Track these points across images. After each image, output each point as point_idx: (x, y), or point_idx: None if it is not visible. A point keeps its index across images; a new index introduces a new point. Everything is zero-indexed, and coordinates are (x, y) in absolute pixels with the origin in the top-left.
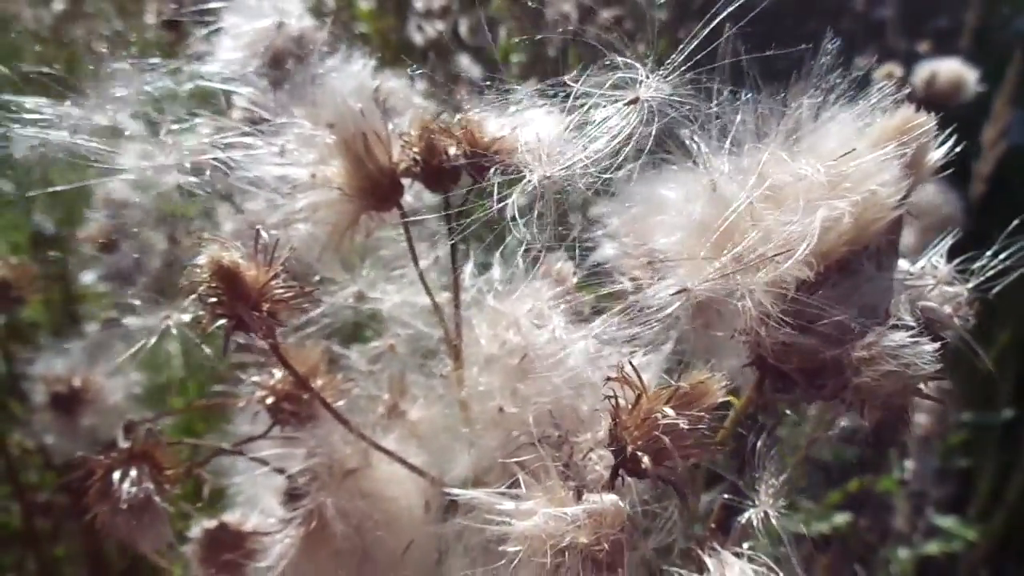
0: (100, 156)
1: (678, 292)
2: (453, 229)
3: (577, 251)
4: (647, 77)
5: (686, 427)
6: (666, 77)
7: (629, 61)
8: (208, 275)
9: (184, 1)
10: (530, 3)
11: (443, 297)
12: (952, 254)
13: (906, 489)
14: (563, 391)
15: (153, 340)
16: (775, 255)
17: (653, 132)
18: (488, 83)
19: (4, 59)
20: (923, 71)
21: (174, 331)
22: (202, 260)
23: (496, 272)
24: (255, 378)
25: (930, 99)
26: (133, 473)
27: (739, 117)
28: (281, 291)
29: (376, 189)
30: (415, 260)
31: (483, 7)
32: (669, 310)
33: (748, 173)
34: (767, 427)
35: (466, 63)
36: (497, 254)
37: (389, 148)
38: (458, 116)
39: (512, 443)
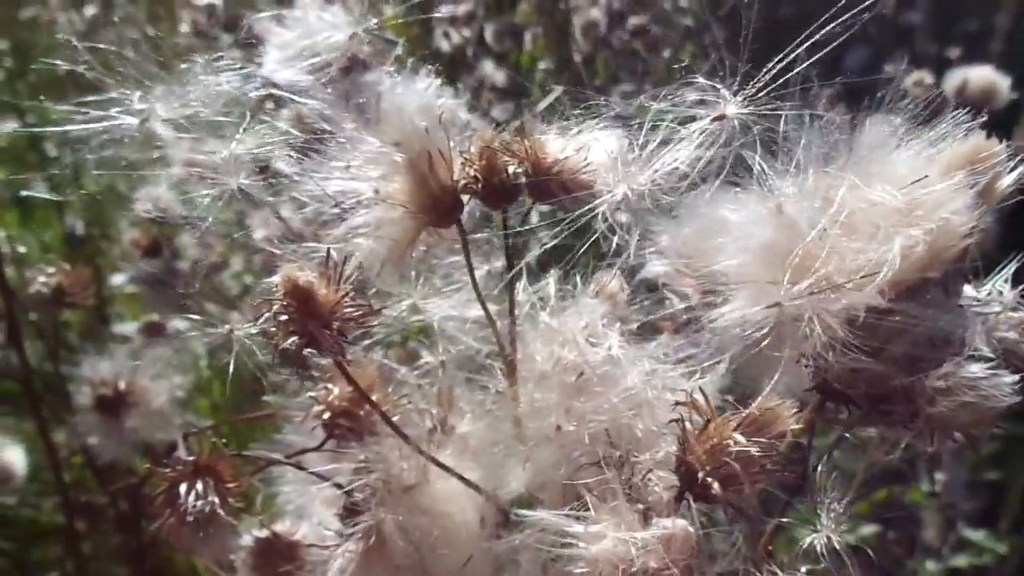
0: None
1: (771, 306)
2: (510, 245)
3: (626, 267)
4: (731, 96)
5: (757, 454)
6: (750, 97)
7: (710, 82)
8: (282, 293)
9: (216, 12)
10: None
11: (493, 311)
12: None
13: (936, 501)
14: (620, 410)
15: (213, 350)
16: (849, 282)
17: (731, 153)
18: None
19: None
20: (954, 78)
21: (236, 343)
22: (277, 279)
23: (551, 288)
24: (312, 393)
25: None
26: (199, 486)
27: (804, 139)
28: (350, 310)
29: (438, 206)
30: (472, 275)
31: (509, 13)
32: (759, 329)
33: (815, 197)
34: (826, 450)
35: (491, 69)
36: (549, 270)
37: (451, 166)
38: (518, 134)
39: (568, 461)
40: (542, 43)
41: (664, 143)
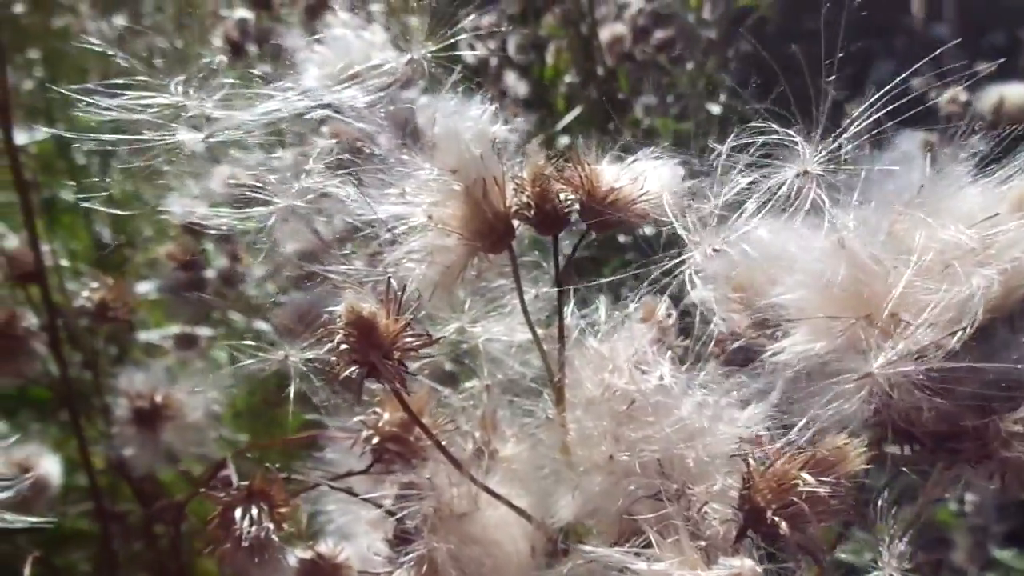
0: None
1: (863, 377)
2: (561, 271)
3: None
4: (812, 151)
5: (825, 494)
6: (829, 152)
7: (787, 132)
8: (345, 323)
9: (249, 27)
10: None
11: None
12: None
13: (966, 522)
14: (673, 440)
15: (269, 374)
16: (922, 323)
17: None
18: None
19: (72, 71)
20: (989, 95)
21: (293, 368)
22: (341, 309)
23: (601, 313)
24: (361, 417)
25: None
26: (254, 511)
27: (864, 173)
28: (410, 340)
29: (491, 233)
30: (522, 300)
31: (534, 25)
32: (854, 402)
33: (879, 231)
34: (885, 485)
35: (513, 81)
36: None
37: (505, 193)
38: (571, 161)
39: (620, 490)
40: (566, 56)
41: (735, 189)
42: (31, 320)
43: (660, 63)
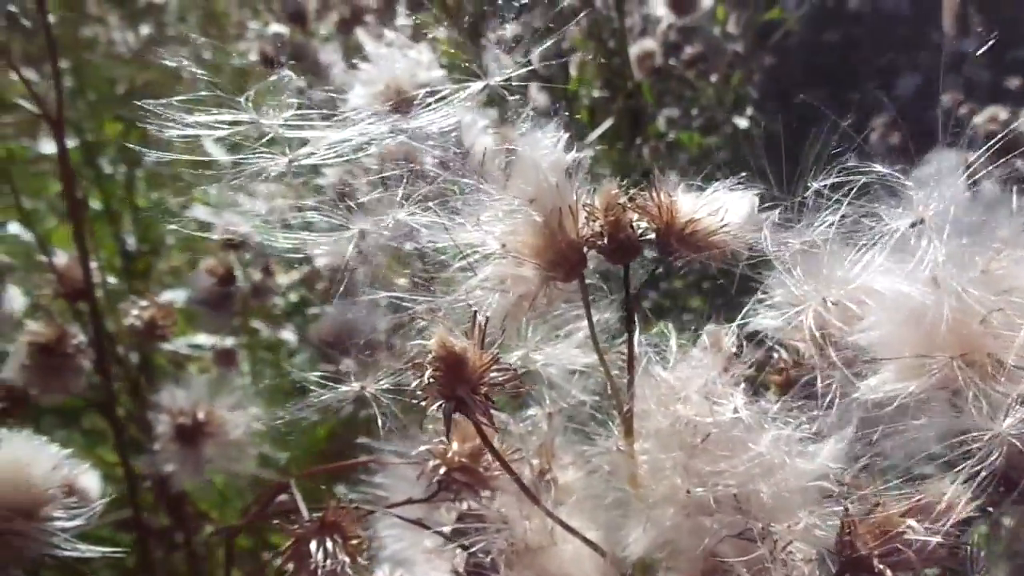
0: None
1: (993, 437)
2: (631, 299)
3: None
4: (925, 196)
5: (933, 542)
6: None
7: (894, 173)
8: (434, 358)
9: (283, 41)
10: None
11: (594, 360)
12: None
13: (1002, 544)
14: (749, 475)
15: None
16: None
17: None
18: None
19: (100, 81)
20: None
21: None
22: (432, 343)
23: (672, 343)
24: (426, 446)
25: None
26: (328, 544)
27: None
28: (497, 374)
29: (565, 262)
30: (592, 330)
31: (559, 37)
32: (982, 459)
33: (972, 268)
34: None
35: (533, 91)
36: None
37: (578, 222)
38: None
39: (695, 525)
40: (592, 68)
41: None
42: (80, 337)
43: (686, 77)
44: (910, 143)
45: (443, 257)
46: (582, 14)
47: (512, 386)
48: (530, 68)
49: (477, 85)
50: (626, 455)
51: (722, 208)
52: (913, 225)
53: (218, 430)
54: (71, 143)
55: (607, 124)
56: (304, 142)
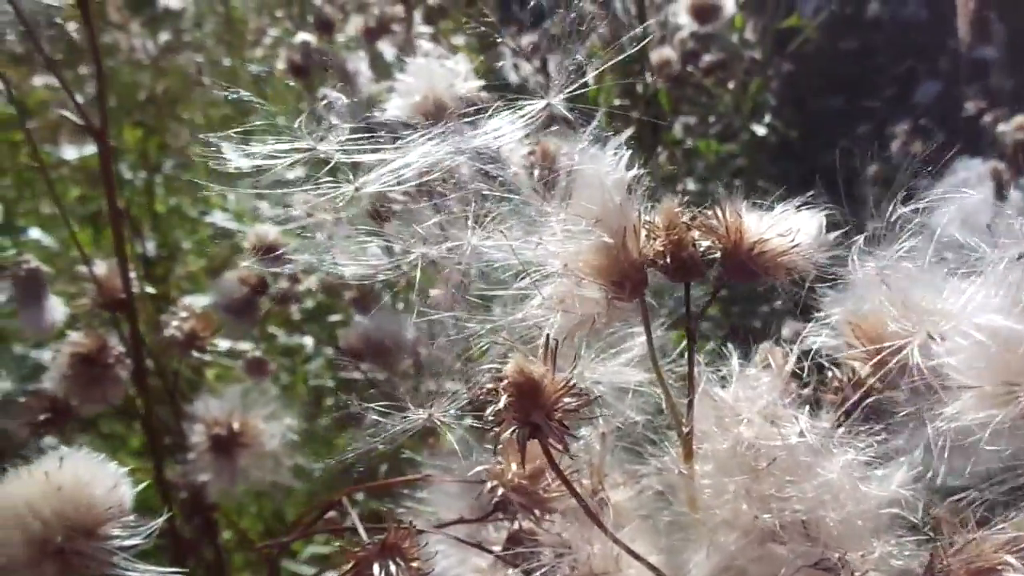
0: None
1: None
2: (692, 318)
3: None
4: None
5: None
6: None
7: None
8: (510, 384)
9: (311, 50)
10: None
11: (645, 378)
12: None
13: None
14: (818, 501)
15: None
16: None
17: None
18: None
19: (121, 88)
20: None
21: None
22: (509, 369)
23: (733, 364)
24: (484, 467)
25: None
26: (391, 567)
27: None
28: (571, 400)
29: (627, 281)
30: (652, 351)
31: (579, 44)
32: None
33: None
34: None
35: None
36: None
37: (641, 241)
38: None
39: (762, 551)
40: (610, 77)
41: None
42: (119, 348)
43: (703, 84)
44: (933, 150)
45: (503, 276)
46: (597, 21)
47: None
48: (589, 88)
49: (538, 104)
50: (686, 478)
51: (792, 229)
52: (1021, 257)
53: (253, 441)
54: (89, 149)
55: (628, 133)
56: (360, 166)
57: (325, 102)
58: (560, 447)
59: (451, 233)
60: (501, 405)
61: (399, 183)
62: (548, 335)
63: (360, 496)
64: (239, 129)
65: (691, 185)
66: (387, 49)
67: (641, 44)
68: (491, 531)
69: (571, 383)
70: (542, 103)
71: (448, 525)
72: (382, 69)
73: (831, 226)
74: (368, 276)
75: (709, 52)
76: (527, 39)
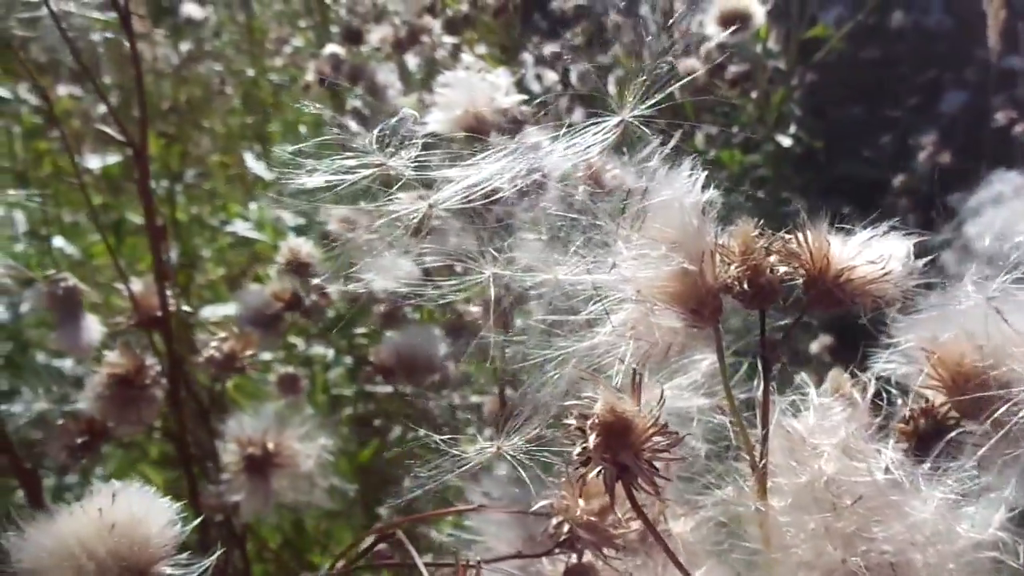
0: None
1: None
2: (768, 346)
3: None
4: None
5: None
6: None
7: None
8: (600, 423)
9: (341, 64)
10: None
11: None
12: None
13: None
14: (909, 542)
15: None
16: None
17: None
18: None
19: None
20: None
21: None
22: (600, 408)
23: (812, 396)
24: (548, 500)
25: None
26: None
27: None
28: (660, 439)
29: (701, 307)
30: (725, 380)
31: (599, 54)
32: None
33: None
34: None
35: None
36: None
37: (716, 266)
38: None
39: None
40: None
41: None
42: (155, 367)
43: (727, 95)
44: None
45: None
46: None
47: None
48: (665, 105)
49: (612, 120)
50: (762, 513)
51: (883, 255)
52: None
53: (288, 461)
54: (113, 158)
55: (655, 143)
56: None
57: (398, 119)
58: (650, 490)
59: (520, 255)
60: (590, 445)
61: (471, 201)
62: (635, 369)
63: (388, 514)
64: (308, 144)
65: (714, 196)
66: (409, 60)
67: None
68: (544, 564)
69: (661, 422)
70: (616, 119)
71: (505, 559)
72: (412, 81)
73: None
74: (436, 299)
75: (734, 62)
76: (549, 48)
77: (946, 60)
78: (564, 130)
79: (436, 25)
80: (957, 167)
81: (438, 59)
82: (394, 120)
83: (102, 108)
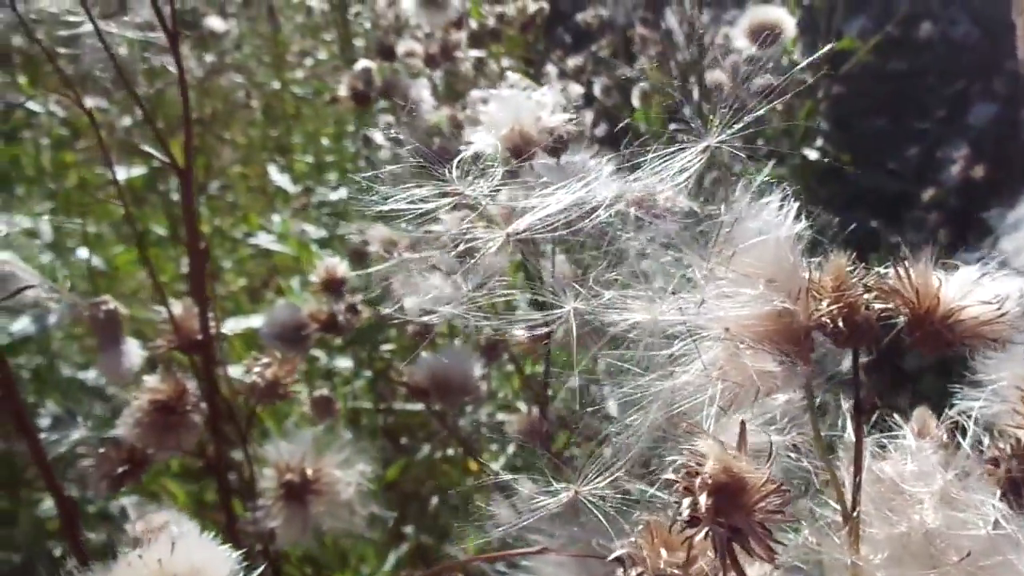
0: None
1: None
2: (862, 386)
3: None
4: None
5: None
6: None
7: None
8: (712, 483)
9: (373, 77)
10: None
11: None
12: None
13: None
14: None
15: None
16: None
17: None
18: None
19: (170, 108)
20: None
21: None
22: (711, 467)
23: (907, 438)
24: (623, 550)
25: None
26: None
27: None
28: (774, 499)
29: (793, 346)
30: (815, 422)
31: (623, 67)
32: None
33: None
34: None
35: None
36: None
37: (809, 302)
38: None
39: None
40: (660, 99)
41: None
42: (195, 392)
43: (754, 108)
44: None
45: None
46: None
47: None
48: (753, 129)
49: (698, 146)
50: (856, 567)
51: (999, 295)
52: None
53: (327, 488)
54: (138, 171)
55: (688, 157)
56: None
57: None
58: (765, 555)
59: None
60: (702, 507)
61: (551, 230)
62: (743, 422)
63: (414, 532)
64: (388, 170)
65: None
66: (435, 74)
67: (694, 66)
68: None
69: (777, 482)
70: (702, 144)
71: None
72: (443, 96)
73: None
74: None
75: (762, 76)
76: (573, 61)
77: (974, 71)
78: (651, 156)
79: (464, 39)
80: (987, 180)
81: (464, 73)
82: (469, 150)
83: (126, 120)
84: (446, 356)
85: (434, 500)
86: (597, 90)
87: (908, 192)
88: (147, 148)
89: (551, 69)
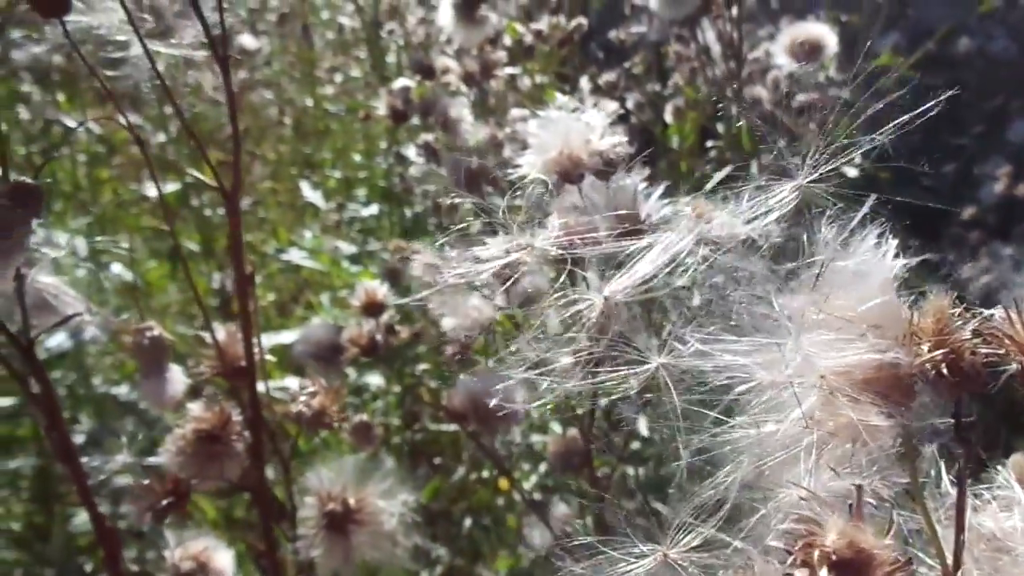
0: None
1: None
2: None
3: None
4: None
5: None
6: None
7: None
8: (836, 560)
9: (409, 96)
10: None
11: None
12: None
13: None
14: None
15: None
16: None
17: None
18: None
19: (203, 126)
20: None
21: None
22: (835, 541)
23: (1016, 490)
24: None
25: None
26: None
27: None
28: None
29: (899, 395)
30: (914, 475)
31: (656, 83)
32: None
33: None
34: None
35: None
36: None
37: (912, 347)
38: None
39: None
40: (694, 116)
41: None
42: (239, 421)
43: (792, 125)
44: None
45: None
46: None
47: None
48: (849, 166)
49: (788, 185)
50: None
51: None
52: None
53: (370, 519)
54: (172, 186)
55: (724, 173)
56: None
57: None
58: None
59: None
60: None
61: (647, 288)
62: (859, 487)
63: (448, 554)
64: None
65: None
66: (464, 89)
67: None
68: None
69: (903, 560)
70: (791, 184)
71: None
72: (483, 115)
73: None
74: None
75: (803, 92)
76: (606, 77)
77: (1012, 87)
78: (737, 197)
79: (503, 57)
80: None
81: (496, 89)
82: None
83: (160, 136)
84: (485, 380)
85: (467, 521)
86: (630, 105)
87: (944, 209)
88: (191, 171)
89: (584, 84)
